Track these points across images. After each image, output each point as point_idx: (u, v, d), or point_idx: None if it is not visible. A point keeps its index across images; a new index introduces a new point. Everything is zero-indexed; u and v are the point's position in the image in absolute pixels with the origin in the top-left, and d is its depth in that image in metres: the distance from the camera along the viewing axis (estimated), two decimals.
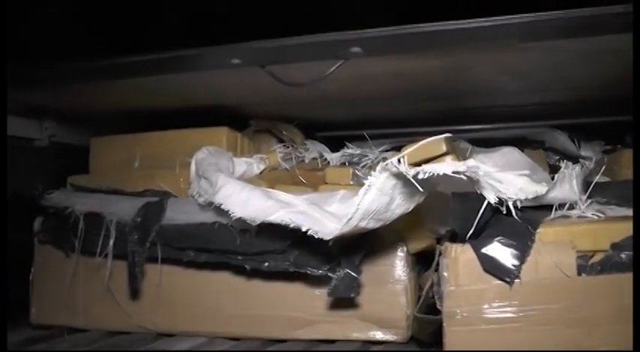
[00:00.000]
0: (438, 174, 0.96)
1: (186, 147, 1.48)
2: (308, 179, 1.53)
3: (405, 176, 0.97)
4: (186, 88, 1.41)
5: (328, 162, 1.62)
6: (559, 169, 1.61)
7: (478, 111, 1.60)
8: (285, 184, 1.50)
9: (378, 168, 1.00)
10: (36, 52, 1.34)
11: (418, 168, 0.96)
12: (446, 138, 1.35)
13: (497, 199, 1.06)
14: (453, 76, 1.29)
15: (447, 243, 1.13)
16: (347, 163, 1.58)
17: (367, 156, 1.54)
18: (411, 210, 1.09)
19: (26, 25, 1.38)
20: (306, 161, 1.64)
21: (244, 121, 1.67)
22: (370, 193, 1.02)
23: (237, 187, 1.24)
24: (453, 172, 0.97)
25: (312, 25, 1.09)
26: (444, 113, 1.62)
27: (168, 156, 1.52)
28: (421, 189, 0.97)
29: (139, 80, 1.29)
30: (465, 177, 0.99)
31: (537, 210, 1.15)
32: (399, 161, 0.98)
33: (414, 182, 0.96)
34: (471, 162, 1.04)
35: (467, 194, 1.09)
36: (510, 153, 1.42)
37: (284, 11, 1.31)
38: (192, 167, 1.39)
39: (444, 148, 1.32)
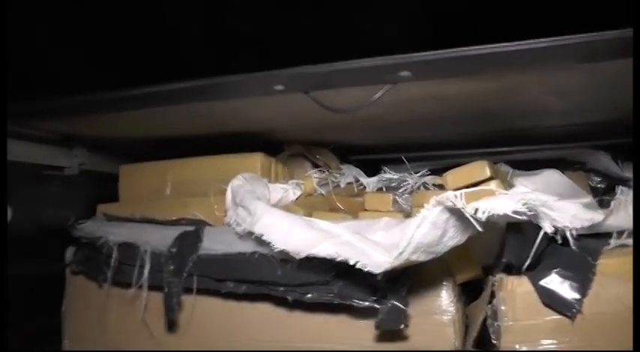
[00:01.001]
0: (497, 214, 0.92)
1: (220, 174, 1.45)
2: (345, 205, 1.51)
3: (460, 210, 0.93)
4: (218, 115, 1.38)
5: (364, 188, 1.60)
6: (601, 191, 1.58)
7: (518, 133, 1.56)
8: (323, 211, 1.47)
9: (432, 201, 0.98)
10: (68, 81, 1.32)
11: (476, 206, 0.93)
12: (489, 162, 1.33)
13: (552, 228, 1.02)
14: (500, 97, 1.25)
15: (501, 275, 1.09)
16: (384, 188, 1.56)
17: (406, 180, 1.51)
18: (463, 242, 1.05)
19: (57, 55, 1.36)
20: (342, 186, 1.62)
21: (277, 146, 1.64)
22: (423, 227, 0.99)
23: (278, 217, 1.21)
24: (514, 212, 0.93)
25: (356, 49, 1.05)
26: (483, 135, 1.58)
27: (202, 183, 1.49)
28: (480, 229, 0.93)
29: (174, 107, 1.26)
30: (525, 216, 0.96)
31: (593, 238, 1.11)
32: (455, 195, 0.94)
33: (472, 221, 0.92)
34: (529, 195, 1.01)
35: (521, 223, 1.04)
36: (552, 175, 1.38)
37: (326, 35, 1.27)
38: (229, 195, 1.35)
39: (487, 173, 1.31)
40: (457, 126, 1.50)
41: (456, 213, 0.98)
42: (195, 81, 1.15)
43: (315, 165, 1.64)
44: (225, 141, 1.54)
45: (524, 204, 0.97)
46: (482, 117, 1.39)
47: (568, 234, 1.03)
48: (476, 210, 0.94)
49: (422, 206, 1.32)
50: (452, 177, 1.34)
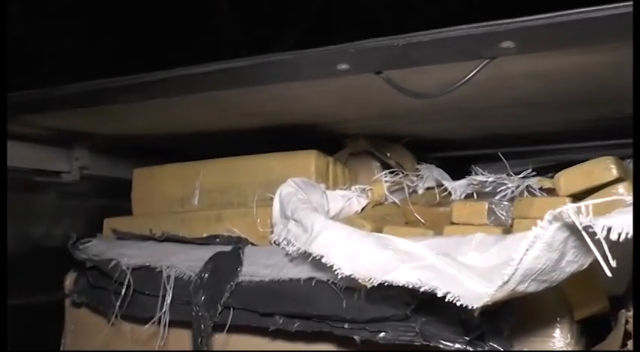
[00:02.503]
0: None
1: (263, 179, 1.49)
2: (426, 217, 1.51)
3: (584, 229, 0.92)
4: (258, 104, 1.39)
5: (449, 193, 1.59)
6: None
7: None
8: (396, 225, 1.47)
9: (547, 216, 0.96)
10: (68, 65, 1.35)
11: (608, 224, 0.91)
12: (615, 159, 1.31)
13: None
14: (623, 73, 1.24)
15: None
16: (475, 195, 1.54)
17: (504, 184, 1.49)
18: (586, 266, 1.04)
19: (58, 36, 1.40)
20: (420, 192, 1.62)
21: (335, 142, 1.65)
22: (534, 249, 0.98)
23: (342, 234, 1.21)
24: None
25: (442, 15, 1.05)
26: (602, 123, 1.56)
27: (240, 190, 1.52)
28: (610, 257, 0.92)
29: (200, 96, 1.28)
30: None
31: None
32: (579, 210, 0.93)
33: (604, 244, 0.91)
34: None
35: None
36: None
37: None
38: (276, 205, 1.37)
39: (614, 173, 1.29)
40: (566, 112, 1.49)
41: (578, 231, 0.96)
42: (229, 62, 1.16)
43: (386, 166, 1.65)
44: (269, 137, 1.56)
45: None
46: (596, 99, 1.38)
47: None
48: (609, 230, 0.92)
49: (526, 217, 1.34)
50: (566, 179, 1.33)
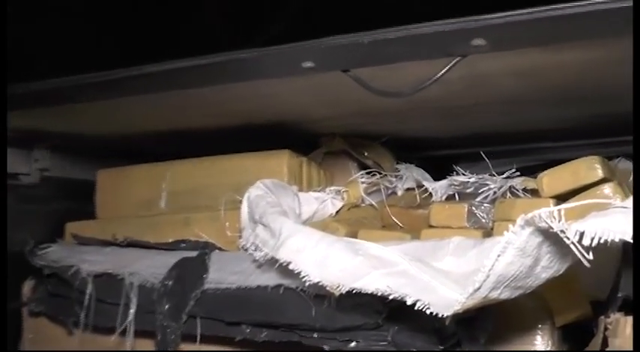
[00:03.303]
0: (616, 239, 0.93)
1: (233, 180, 1.51)
2: (404, 220, 1.54)
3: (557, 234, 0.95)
4: (228, 102, 1.42)
5: (430, 195, 1.60)
6: None
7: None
8: (372, 229, 1.50)
9: (519, 221, 0.99)
10: (26, 62, 1.37)
11: (581, 228, 0.94)
12: (601, 158, 1.33)
13: None
14: (611, 70, 1.27)
15: (615, 315, 1.11)
16: (457, 196, 1.56)
17: (487, 184, 1.50)
18: (562, 272, 1.08)
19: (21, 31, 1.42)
20: (399, 193, 1.64)
21: (310, 141, 1.68)
22: (507, 255, 1.00)
23: (312, 239, 1.24)
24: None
25: (410, 11, 1.08)
26: (589, 121, 1.60)
27: (208, 192, 1.54)
28: (587, 261, 0.94)
29: (162, 94, 1.31)
30: None
31: None
32: (551, 215, 0.96)
33: (578, 250, 0.93)
34: None
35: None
36: None
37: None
38: (245, 209, 1.39)
39: (599, 173, 1.31)
40: (551, 110, 1.51)
41: (553, 236, 0.99)
42: (190, 60, 1.19)
43: (363, 166, 1.68)
44: (241, 136, 1.58)
45: None
46: (582, 96, 1.40)
47: None
48: (581, 235, 0.94)
49: (507, 219, 1.36)
50: (549, 179, 1.36)
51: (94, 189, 1.68)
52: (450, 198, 1.56)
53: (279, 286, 1.31)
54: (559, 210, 0.96)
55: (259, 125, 1.59)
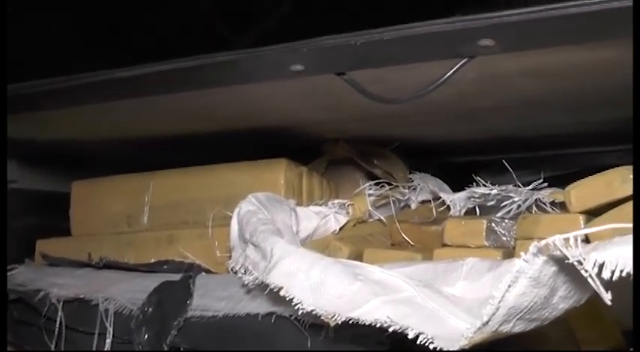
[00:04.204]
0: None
1: (223, 193, 1.49)
2: (416, 237, 1.51)
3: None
4: (216, 106, 1.41)
5: (448, 208, 1.58)
6: None
7: None
8: (380, 247, 1.48)
9: (532, 248, 0.96)
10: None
11: (601, 258, 0.91)
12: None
13: None
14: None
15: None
16: (477, 210, 1.54)
17: (510, 197, 1.48)
18: (583, 301, 1.05)
19: None
20: (413, 207, 1.62)
21: (313, 147, 1.66)
22: (519, 285, 0.97)
23: (305, 261, 1.21)
24: None
25: (411, 9, 1.07)
26: (622, 125, 1.57)
27: (195, 206, 1.53)
28: (607, 297, 0.92)
29: (145, 98, 1.29)
30: None
31: None
32: (566, 240, 0.93)
33: (594, 284, 0.91)
34: None
35: None
36: None
37: None
38: (234, 226, 1.37)
39: (632, 186, 1.28)
40: (577, 113, 1.50)
41: (570, 264, 0.97)
42: (168, 63, 1.18)
43: (372, 176, 1.66)
44: (233, 144, 1.57)
45: None
46: (613, 101, 1.38)
47: None
48: (600, 267, 0.92)
49: (531, 237, 1.34)
50: (578, 192, 1.33)
51: (68, 202, 1.66)
52: (471, 212, 1.53)
53: (270, 314, 1.28)
54: (575, 237, 0.94)
55: (254, 130, 1.57)
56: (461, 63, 1.10)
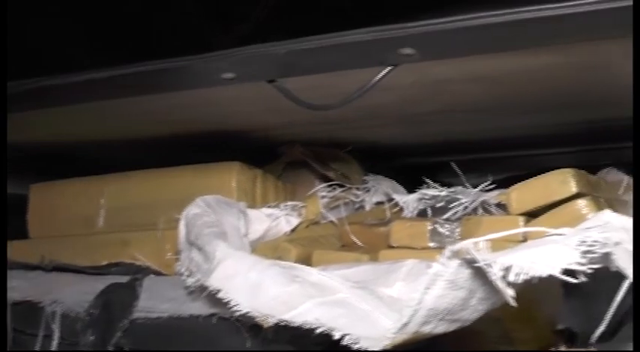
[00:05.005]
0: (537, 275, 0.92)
1: (177, 196, 1.49)
2: (365, 239, 1.52)
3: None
4: (167, 111, 1.43)
5: (402, 210, 1.59)
6: None
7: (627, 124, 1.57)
8: (330, 249, 1.49)
9: (447, 252, 0.99)
10: None
11: (507, 263, 0.93)
12: (576, 171, 1.32)
13: None
14: (586, 76, 1.27)
15: (562, 347, 1.10)
16: (429, 211, 1.54)
17: (459, 198, 1.47)
18: (502, 303, 1.07)
19: None
20: (367, 208, 1.63)
21: (270, 150, 1.67)
22: (436, 288, 1.00)
23: (244, 264, 1.23)
24: (566, 272, 0.94)
25: (338, 19, 1.09)
26: (572, 128, 1.59)
27: (150, 209, 1.54)
28: (510, 295, 0.94)
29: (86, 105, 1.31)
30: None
31: None
32: (475, 245, 0.96)
33: (501, 287, 0.93)
34: (603, 233, 1.01)
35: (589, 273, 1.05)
36: None
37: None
38: (182, 229, 1.39)
39: (572, 188, 1.29)
40: (525, 117, 1.51)
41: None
42: (109, 70, 1.21)
43: (329, 178, 1.67)
44: (194, 147, 1.59)
45: (586, 253, 0.97)
46: (559, 105, 1.40)
47: None
48: (506, 270, 0.94)
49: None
50: (518, 194, 1.34)
51: (26, 205, 1.67)
52: (422, 213, 1.54)
53: (212, 315, 1.30)
54: (484, 242, 0.96)
55: (212, 134, 1.59)
56: (385, 71, 1.12)
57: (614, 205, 1.34)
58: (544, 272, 0.92)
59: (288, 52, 1.11)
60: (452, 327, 1.07)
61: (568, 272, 0.93)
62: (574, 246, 0.97)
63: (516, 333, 1.28)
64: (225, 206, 1.44)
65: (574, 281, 0.94)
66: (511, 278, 0.92)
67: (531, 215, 1.32)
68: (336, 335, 1.07)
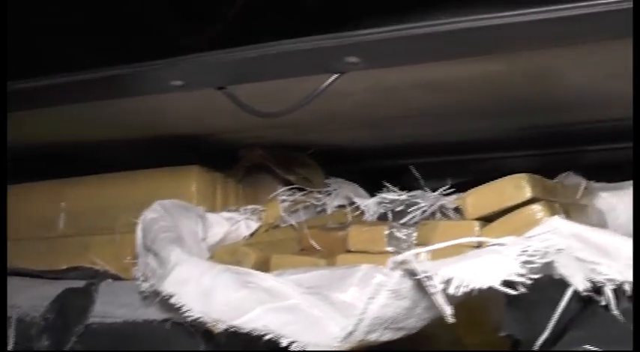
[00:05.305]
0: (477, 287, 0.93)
1: (137, 199, 1.49)
2: (323, 243, 1.51)
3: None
4: (123, 115, 1.43)
5: (363, 213, 1.58)
6: None
7: (583, 128, 1.58)
8: (289, 253, 1.49)
9: (389, 262, 1.00)
10: None
11: (448, 275, 0.94)
12: (530, 176, 1.32)
13: (588, 284, 1.02)
14: (532, 83, 1.28)
15: None
16: (390, 215, 1.53)
17: (418, 202, 1.46)
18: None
19: None
20: (329, 211, 1.63)
21: (233, 154, 1.67)
22: (380, 297, 1.01)
23: (197, 269, 1.24)
24: (506, 283, 0.94)
25: (287, 28, 1.10)
26: (534, 131, 1.60)
27: (110, 213, 1.54)
28: (448, 313, 0.95)
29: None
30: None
31: None
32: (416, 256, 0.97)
33: (439, 303, 0.94)
34: (545, 242, 1.02)
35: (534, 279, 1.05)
36: None
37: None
38: (139, 233, 1.39)
39: (526, 193, 1.29)
40: (484, 121, 1.52)
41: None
42: (52, 78, 1.21)
43: (288, 181, 1.66)
44: (157, 150, 1.60)
45: (526, 263, 0.98)
46: (511, 111, 1.41)
47: (608, 290, 1.03)
48: (446, 283, 0.94)
49: (430, 244, 1.35)
50: (474, 199, 1.34)
51: None
52: (382, 217, 1.52)
53: (166, 320, 1.31)
54: (426, 252, 0.97)
55: (173, 138, 1.59)
56: (332, 79, 1.13)
57: (571, 210, 1.35)
58: (484, 284, 0.93)
59: (236, 60, 1.12)
60: (398, 335, 1.08)
61: (508, 283, 0.94)
62: (514, 256, 0.98)
63: (468, 338, 1.29)
64: (182, 210, 1.45)
65: (513, 292, 0.95)
66: (451, 290, 0.93)
67: (487, 219, 1.32)
68: (284, 342, 1.08)
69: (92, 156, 1.61)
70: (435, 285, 0.94)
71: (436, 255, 1.10)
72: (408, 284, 1.00)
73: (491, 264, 0.96)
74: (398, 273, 0.99)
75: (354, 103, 1.31)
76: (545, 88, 1.31)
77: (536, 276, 0.98)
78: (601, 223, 1.48)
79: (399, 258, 0.99)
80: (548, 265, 1.01)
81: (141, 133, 1.55)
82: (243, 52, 1.12)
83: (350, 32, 1.06)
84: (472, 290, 0.93)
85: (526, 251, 0.98)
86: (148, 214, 1.40)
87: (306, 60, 1.11)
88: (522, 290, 0.95)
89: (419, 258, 0.98)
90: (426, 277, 0.95)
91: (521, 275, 0.95)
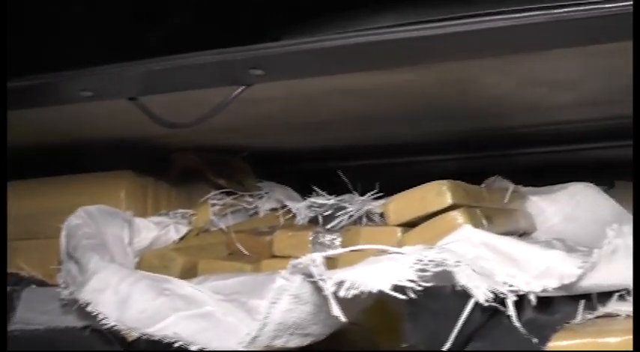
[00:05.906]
0: (371, 291, 0.94)
1: (67, 204, 1.49)
2: (251, 247, 1.52)
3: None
4: (51, 121, 1.43)
5: (295, 217, 1.60)
6: None
7: (509, 133, 1.60)
8: (217, 258, 1.50)
9: (289, 266, 1.01)
10: None
11: (342, 278, 0.96)
12: (452, 182, 1.33)
13: (489, 295, 1.02)
14: (447, 92, 1.30)
15: None
16: (320, 219, 1.52)
17: (346, 207, 1.47)
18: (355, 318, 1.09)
19: None
20: (261, 214, 1.65)
21: (166, 158, 1.68)
22: (282, 302, 1.02)
23: (115, 276, 1.24)
24: (395, 288, 0.96)
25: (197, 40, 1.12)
26: (462, 135, 1.62)
27: (41, 218, 1.54)
28: (337, 312, 0.96)
29: None
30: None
31: (565, 304, 1.12)
32: (313, 260, 0.98)
33: (333, 304, 0.95)
34: (441, 253, 1.03)
35: (437, 289, 1.07)
36: (583, 192, 1.41)
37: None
38: (63, 240, 1.39)
39: (448, 199, 1.30)
40: (410, 126, 1.54)
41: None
42: None
43: (219, 185, 1.67)
44: (84, 155, 1.60)
45: (420, 271, 0.99)
46: (436, 116, 1.43)
47: (510, 302, 1.04)
48: (339, 285, 0.96)
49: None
50: (396, 205, 1.35)
51: None
52: (313, 221, 1.54)
53: (85, 327, 1.32)
54: (322, 258, 0.98)
55: (105, 143, 1.60)
56: (239, 90, 1.14)
57: (496, 215, 1.36)
58: (374, 288, 0.94)
59: (143, 72, 1.14)
60: (306, 341, 1.09)
61: (400, 289, 0.96)
62: (410, 263, 0.99)
63: (387, 344, 1.30)
64: (107, 216, 1.45)
65: (402, 297, 0.96)
66: (342, 293, 0.94)
67: (410, 225, 1.33)
68: (194, 349, 1.09)
69: (27, 162, 1.61)
70: (328, 288, 0.95)
71: (349, 260, 1.12)
72: (308, 288, 1.01)
73: (385, 269, 0.97)
74: (299, 277, 1.00)
75: (278, 108, 1.32)
76: (461, 96, 1.33)
77: (430, 284, 0.99)
78: (529, 227, 1.49)
79: (298, 261, 1.00)
80: (449, 275, 1.02)
81: (70, 139, 1.56)
82: (151, 64, 1.13)
83: (254, 46, 1.08)
84: (363, 293, 0.94)
85: (421, 260, 0.99)
86: (72, 220, 1.41)
87: (212, 72, 1.13)
88: (413, 296, 0.95)
89: (315, 263, 0.97)
90: (321, 280, 0.95)
91: (412, 281, 0.96)
